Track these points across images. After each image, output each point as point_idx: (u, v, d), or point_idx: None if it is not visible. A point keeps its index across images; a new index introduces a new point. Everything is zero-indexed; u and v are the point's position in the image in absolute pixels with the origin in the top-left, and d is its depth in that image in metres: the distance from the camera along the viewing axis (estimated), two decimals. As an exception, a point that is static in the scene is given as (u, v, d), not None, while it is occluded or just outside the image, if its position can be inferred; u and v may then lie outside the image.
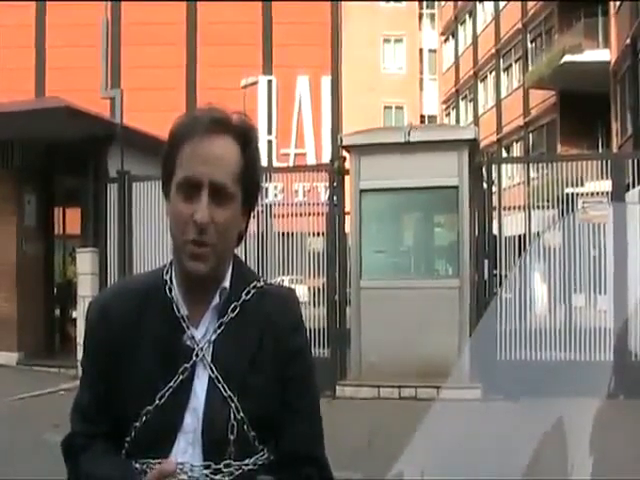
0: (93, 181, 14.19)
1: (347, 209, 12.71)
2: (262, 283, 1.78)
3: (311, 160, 35.99)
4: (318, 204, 13.25)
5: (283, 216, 13.33)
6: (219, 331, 1.69)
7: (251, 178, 1.71)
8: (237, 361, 1.68)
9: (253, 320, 1.72)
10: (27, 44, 39.99)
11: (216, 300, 1.71)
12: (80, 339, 13.53)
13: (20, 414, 10.48)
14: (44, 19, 40.76)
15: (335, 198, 12.69)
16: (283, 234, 12.83)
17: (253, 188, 1.73)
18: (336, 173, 12.71)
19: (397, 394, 11.40)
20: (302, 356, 1.78)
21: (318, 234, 12.98)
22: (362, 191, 12.42)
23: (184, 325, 1.69)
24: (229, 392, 1.66)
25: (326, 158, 28.07)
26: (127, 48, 38.42)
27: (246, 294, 1.73)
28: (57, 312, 16.51)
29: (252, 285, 1.75)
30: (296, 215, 13.07)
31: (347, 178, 12.67)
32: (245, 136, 1.71)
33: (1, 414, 10.32)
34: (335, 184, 12.69)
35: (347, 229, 12.72)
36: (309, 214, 13.15)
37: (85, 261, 13.94)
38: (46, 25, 40.64)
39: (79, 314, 14.00)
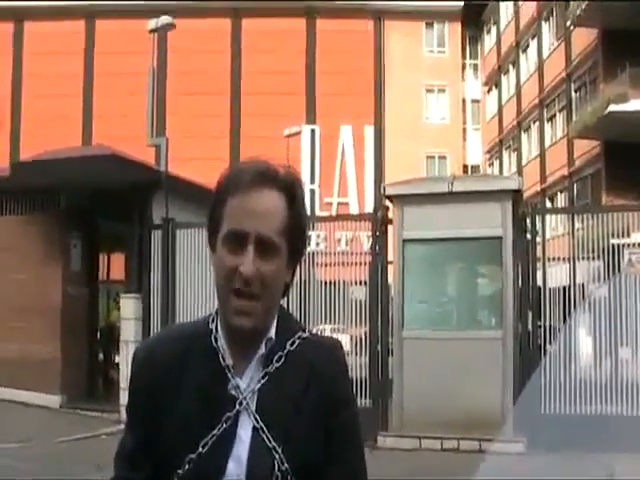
0: (138, 227, 14.36)
1: (390, 259, 12.69)
2: (307, 333, 1.78)
3: (354, 209, 36.13)
4: (361, 253, 13.26)
5: (326, 265, 13.36)
6: (263, 381, 1.69)
7: (297, 232, 1.71)
8: (282, 411, 1.67)
9: (298, 370, 1.71)
10: (75, 93, 40.84)
11: (262, 350, 1.71)
12: (122, 383, 13.61)
13: (62, 457, 10.52)
14: (92, 68, 41.63)
15: (378, 247, 12.69)
16: (326, 283, 12.84)
17: (299, 241, 1.73)
18: (379, 222, 12.72)
19: (439, 445, 11.27)
20: (347, 406, 1.76)
21: (360, 283, 12.97)
22: (405, 241, 12.40)
23: (229, 375, 1.69)
24: (274, 443, 1.65)
25: (369, 207, 28.11)
26: (172, 97, 39.06)
27: (291, 344, 1.73)
28: (100, 356, 16.66)
29: (297, 335, 1.75)
30: (339, 264, 13.09)
31: (390, 228, 12.67)
32: (291, 189, 1.71)
33: (44, 456, 10.37)
34: (378, 233, 12.70)
35: (389, 279, 12.70)
36: (352, 263, 13.16)
37: (129, 306, 14.07)
38: (94, 74, 41.47)
39: (122, 358, 14.11)
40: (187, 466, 1.64)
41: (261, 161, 1.73)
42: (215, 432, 1.65)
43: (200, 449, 1.64)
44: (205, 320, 1.77)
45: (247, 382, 1.70)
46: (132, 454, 1.75)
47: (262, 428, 1.66)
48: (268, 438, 1.65)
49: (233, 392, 1.68)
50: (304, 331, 1.78)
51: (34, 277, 14.91)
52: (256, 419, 1.66)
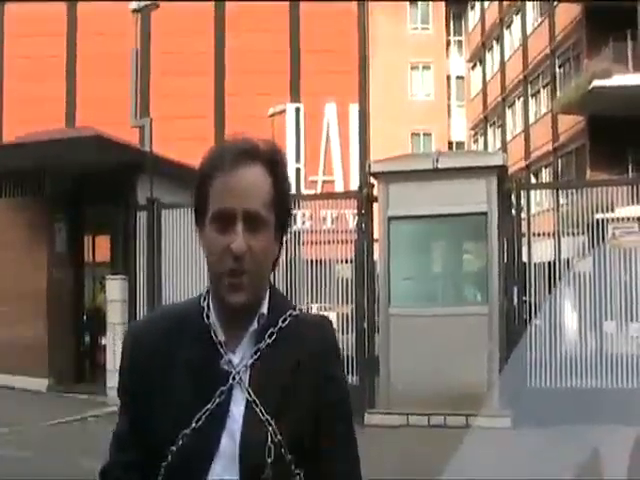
0: (123, 209, 14.31)
1: (375, 236, 12.69)
2: (298, 311, 1.80)
3: (339, 187, 36.07)
4: (346, 231, 13.26)
5: (311, 243, 13.35)
6: (256, 356, 1.71)
7: (283, 203, 1.74)
8: (274, 385, 1.70)
9: (289, 346, 1.73)
10: (58, 75, 40.52)
11: (254, 326, 1.73)
12: (109, 365, 13.62)
13: (50, 440, 10.53)
14: (74, 50, 41.30)
15: (363, 225, 12.69)
16: (311, 261, 12.84)
17: (285, 213, 1.75)
18: (364, 200, 12.71)
19: (426, 422, 11.33)
20: (337, 382, 1.80)
21: (346, 261, 12.98)
22: (390, 218, 12.41)
23: (221, 350, 1.71)
24: (266, 415, 1.67)
25: (354, 185, 28.08)
26: (156, 78, 38.82)
27: (282, 321, 1.75)
28: (87, 339, 16.61)
29: (288, 313, 1.77)
30: (324, 243, 13.09)
31: (375, 205, 12.66)
32: (274, 162, 1.73)
33: (32, 440, 10.38)
34: (363, 211, 12.70)
35: (375, 256, 12.71)
36: (337, 242, 13.16)
37: (115, 288, 14.03)
38: (77, 55, 41.16)
39: (108, 341, 14.09)
40: (181, 441, 1.66)
41: (241, 138, 1.75)
42: (209, 406, 1.66)
43: (194, 424, 1.66)
44: (197, 299, 1.78)
45: (240, 358, 1.71)
46: (125, 437, 1.76)
47: (255, 401, 1.68)
48: (261, 411, 1.67)
49: (226, 367, 1.70)
50: (294, 309, 1.80)
51: (19, 261, 14.85)
52: (249, 393, 1.68)
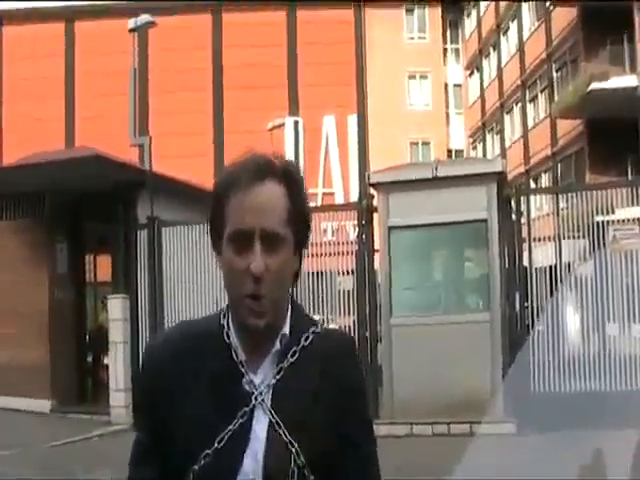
0: (123, 228, 14.31)
1: (376, 247, 12.68)
2: (320, 328, 1.78)
3: (339, 199, 36.09)
4: (347, 243, 13.27)
5: (312, 255, 13.31)
6: (278, 376, 1.70)
7: (300, 218, 1.72)
8: (297, 405, 1.68)
9: (312, 365, 1.72)
10: (57, 95, 40.66)
11: (277, 347, 1.71)
12: (112, 384, 13.60)
13: (54, 461, 10.50)
14: (73, 69, 41.46)
15: (364, 236, 12.69)
16: (312, 273, 12.82)
17: (303, 228, 1.74)
18: (364, 211, 12.71)
19: (430, 431, 11.29)
20: (360, 402, 1.79)
21: (347, 272, 12.96)
22: (391, 228, 12.41)
23: (243, 370, 1.69)
24: (289, 437, 1.66)
25: (354, 197, 28.07)
26: (154, 95, 38.96)
27: (305, 339, 1.74)
28: (89, 359, 16.62)
29: (311, 330, 1.76)
30: (325, 254, 13.07)
31: (375, 216, 12.66)
32: (289, 177, 1.70)
33: (36, 462, 10.35)
34: (364, 222, 12.69)
35: (376, 266, 12.68)
36: (338, 253, 13.15)
37: (116, 307, 14.02)
38: (75, 75, 41.31)
39: (111, 360, 14.08)
40: (203, 461, 1.65)
41: (254, 155, 1.73)
42: (231, 427, 1.65)
43: (216, 444, 1.64)
44: (217, 316, 1.77)
45: (261, 378, 1.70)
46: (145, 453, 1.75)
47: (278, 423, 1.66)
48: (284, 433, 1.66)
49: (247, 387, 1.68)
50: (317, 325, 1.78)
51: (20, 282, 14.84)
52: (272, 414, 1.67)
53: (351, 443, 1.73)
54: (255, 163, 1.69)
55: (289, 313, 1.75)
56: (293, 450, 1.65)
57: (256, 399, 1.67)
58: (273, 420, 1.66)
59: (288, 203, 1.68)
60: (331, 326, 11.95)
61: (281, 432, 1.65)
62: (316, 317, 12.40)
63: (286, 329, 1.72)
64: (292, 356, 1.71)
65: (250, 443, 1.66)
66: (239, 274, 1.64)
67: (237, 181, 1.66)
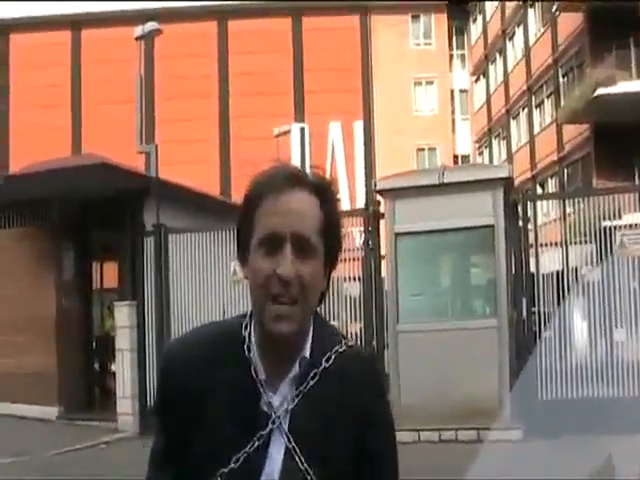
0: (130, 235, 14.33)
1: (383, 253, 12.67)
2: (343, 347, 1.71)
3: (345, 205, 36.05)
4: (353, 249, 13.24)
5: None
6: (297, 400, 1.64)
7: (333, 233, 1.66)
8: (315, 432, 1.63)
9: (333, 388, 1.66)
10: (63, 103, 40.81)
11: (295, 370, 1.65)
12: (119, 392, 13.59)
13: (61, 469, 10.50)
14: (79, 77, 41.60)
15: (370, 242, 12.68)
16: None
17: (335, 244, 1.67)
18: (371, 218, 12.70)
19: (437, 437, 11.25)
20: (385, 428, 1.73)
21: (354, 279, 12.95)
22: (397, 234, 12.39)
23: (261, 390, 1.64)
24: (306, 465, 1.61)
25: (360, 203, 28.09)
26: (161, 102, 39.06)
27: (326, 360, 1.67)
28: (96, 366, 16.61)
29: (334, 350, 1.68)
30: (332, 260, 13.04)
31: (382, 222, 12.65)
32: (323, 191, 1.66)
33: (43, 469, 10.35)
34: (370, 228, 12.69)
35: (383, 273, 12.67)
36: (344, 259, 13.12)
37: (123, 314, 14.02)
38: (81, 83, 41.45)
39: (117, 367, 14.08)
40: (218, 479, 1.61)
41: (287, 165, 1.70)
42: (247, 449, 1.61)
43: (232, 465, 1.60)
44: (237, 324, 1.70)
45: (280, 400, 1.64)
46: (163, 456, 1.71)
47: (294, 449, 1.61)
48: (300, 460, 1.61)
49: (265, 409, 1.63)
50: (340, 344, 1.71)
51: (28, 289, 14.87)
52: (289, 439, 1.62)
53: (370, 478, 1.69)
54: (288, 171, 1.66)
55: (311, 333, 1.68)
56: (309, 478, 1.60)
57: (273, 422, 1.62)
58: (290, 446, 1.61)
59: (321, 214, 1.63)
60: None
61: (297, 459, 1.61)
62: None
63: (306, 352, 1.66)
64: (312, 378, 1.65)
65: (266, 466, 1.62)
66: (266, 277, 1.57)
67: (271, 184, 1.62)
